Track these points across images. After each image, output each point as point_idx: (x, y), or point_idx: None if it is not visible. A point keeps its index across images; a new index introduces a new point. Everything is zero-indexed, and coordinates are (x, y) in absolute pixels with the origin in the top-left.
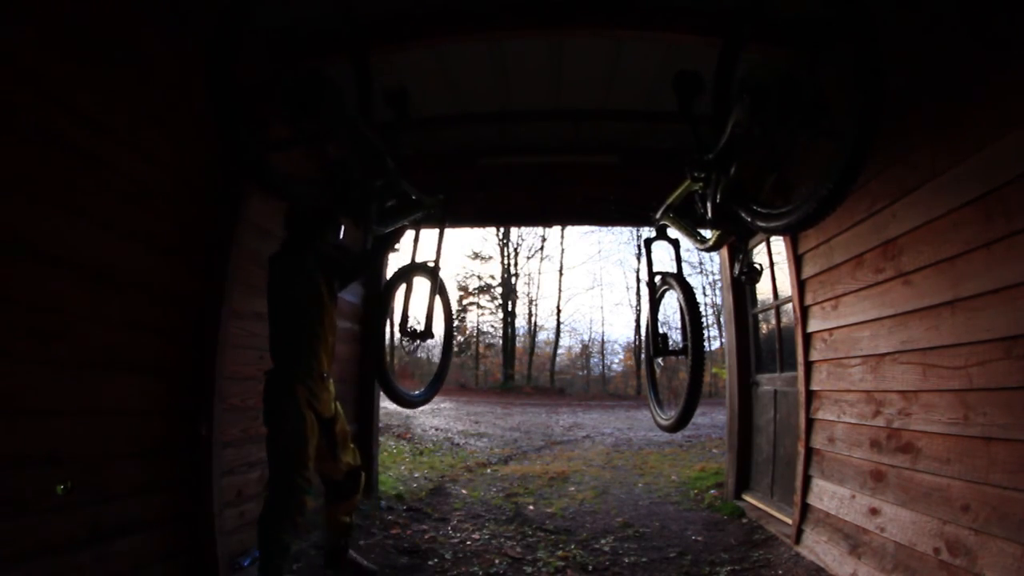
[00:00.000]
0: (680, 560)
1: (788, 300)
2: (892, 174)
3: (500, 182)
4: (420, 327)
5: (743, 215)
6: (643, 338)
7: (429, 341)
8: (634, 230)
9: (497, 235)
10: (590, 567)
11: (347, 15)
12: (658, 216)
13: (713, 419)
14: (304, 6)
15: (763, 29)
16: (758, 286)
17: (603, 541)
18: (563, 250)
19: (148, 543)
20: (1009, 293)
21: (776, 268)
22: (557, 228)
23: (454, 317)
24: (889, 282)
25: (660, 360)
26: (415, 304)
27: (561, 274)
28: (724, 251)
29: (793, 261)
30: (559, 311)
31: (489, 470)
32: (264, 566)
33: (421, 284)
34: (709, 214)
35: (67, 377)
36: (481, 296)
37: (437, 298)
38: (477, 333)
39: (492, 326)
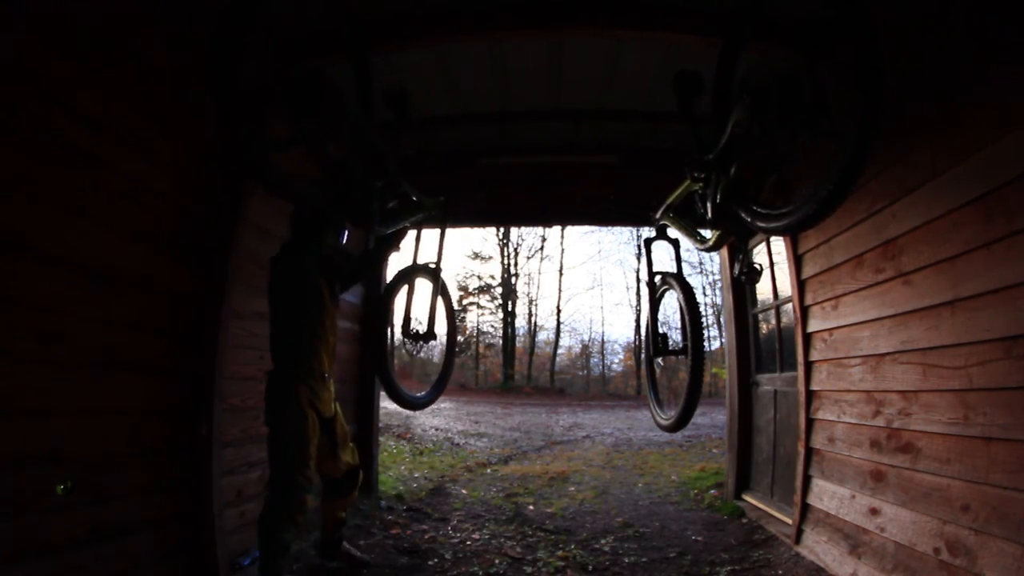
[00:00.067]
0: (680, 560)
1: (788, 300)
2: (892, 174)
3: (500, 182)
4: (422, 328)
5: (743, 215)
6: (643, 338)
7: (431, 342)
8: (634, 230)
9: (497, 235)
10: (590, 567)
11: (347, 15)
12: (658, 216)
13: (713, 419)
14: (304, 6)
15: (763, 29)
16: (758, 286)
17: (603, 541)
18: (563, 250)
19: (148, 543)
20: (1009, 293)
21: (776, 268)
22: (557, 228)
23: (456, 318)
24: (889, 282)
25: (660, 360)
26: (417, 305)
27: (561, 274)
28: (724, 251)
29: (793, 261)
30: (559, 311)
31: (489, 470)
32: (264, 565)
33: (423, 285)
34: (709, 214)
35: (67, 377)
36: (481, 296)
37: (439, 299)
38: (477, 333)
39: (492, 326)
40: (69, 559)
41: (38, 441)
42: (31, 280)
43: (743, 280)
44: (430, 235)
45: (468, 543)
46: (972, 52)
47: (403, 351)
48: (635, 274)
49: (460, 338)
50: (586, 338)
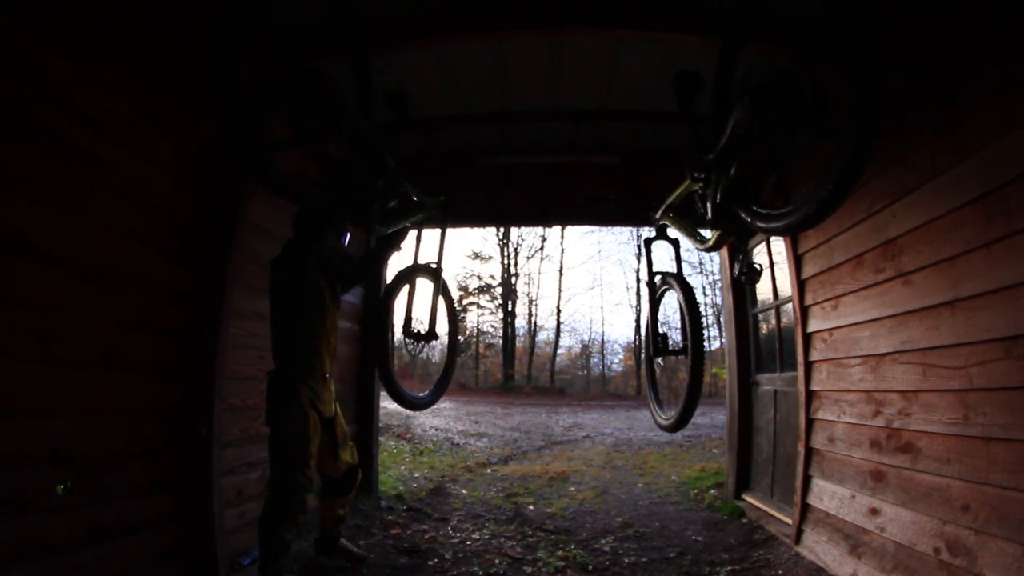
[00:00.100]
0: (680, 560)
1: (788, 300)
2: (892, 174)
3: (500, 182)
4: (424, 328)
5: (743, 215)
6: (643, 338)
7: (432, 342)
8: (634, 230)
9: (497, 235)
10: (590, 567)
11: (347, 15)
12: (658, 216)
13: (713, 419)
14: (304, 6)
15: (763, 29)
16: (758, 286)
17: (603, 541)
18: (563, 250)
19: (148, 543)
20: (1009, 293)
21: (776, 268)
22: (557, 228)
23: (458, 318)
24: (889, 282)
25: (660, 360)
26: (418, 305)
27: (561, 274)
28: (724, 251)
29: (793, 261)
30: (559, 311)
31: (489, 470)
32: (264, 565)
33: (424, 285)
34: (709, 214)
35: (67, 377)
36: (481, 296)
37: (440, 299)
38: (477, 333)
39: (492, 326)
40: (69, 559)
41: (38, 441)
42: (31, 280)
43: (743, 280)
44: (430, 235)
45: (468, 543)
46: (972, 52)
47: (403, 351)
48: (635, 274)
49: (461, 338)
50: (586, 338)
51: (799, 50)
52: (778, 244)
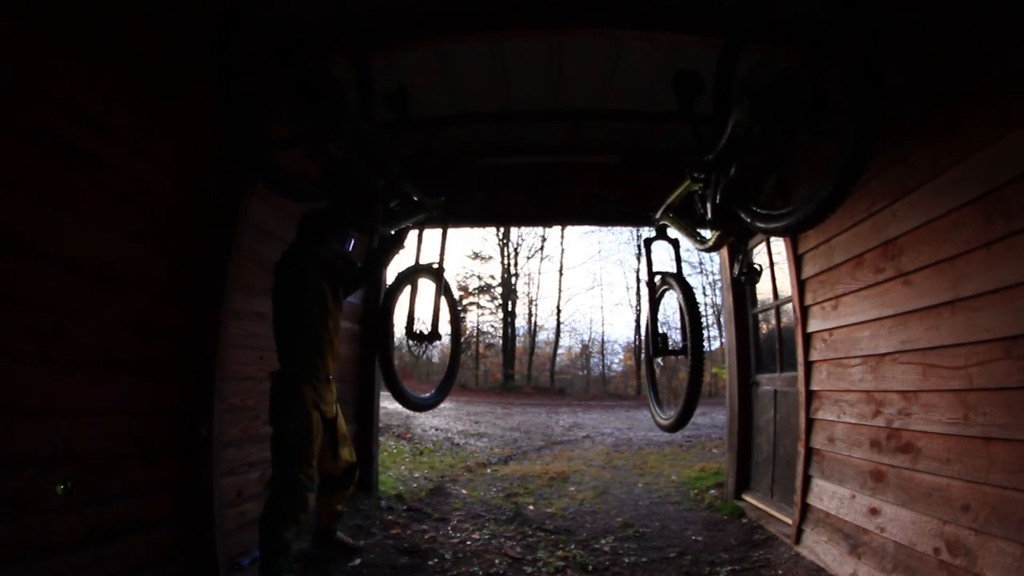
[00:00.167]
0: (680, 560)
1: (788, 300)
2: (892, 174)
3: (500, 182)
4: (426, 329)
5: (743, 216)
6: (643, 338)
7: (435, 342)
8: (634, 230)
9: (497, 235)
10: (590, 567)
11: (347, 15)
12: (658, 216)
13: (713, 419)
14: (304, 6)
15: (763, 29)
16: (758, 286)
17: (603, 541)
18: (563, 250)
19: (148, 543)
20: (1009, 293)
21: (776, 268)
22: (557, 228)
23: (461, 318)
24: (889, 282)
25: (660, 360)
26: (420, 306)
27: (561, 274)
28: (724, 251)
29: (793, 261)
30: (559, 311)
31: (489, 470)
32: (265, 565)
33: (425, 285)
34: (709, 214)
35: (67, 377)
36: (481, 296)
37: (442, 299)
38: (477, 333)
39: (492, 326)
40: (69, 559)
41: (38, 441)
42: (31, 280)
43: (743, 280)
44: (431, 235)
45: (468, 543)
46: (972, 52)
47: (404, 352)
48: (635, 274)
49: (463, 338)
50: (586, 338)
51: (799, 50)
52: (778, 244)
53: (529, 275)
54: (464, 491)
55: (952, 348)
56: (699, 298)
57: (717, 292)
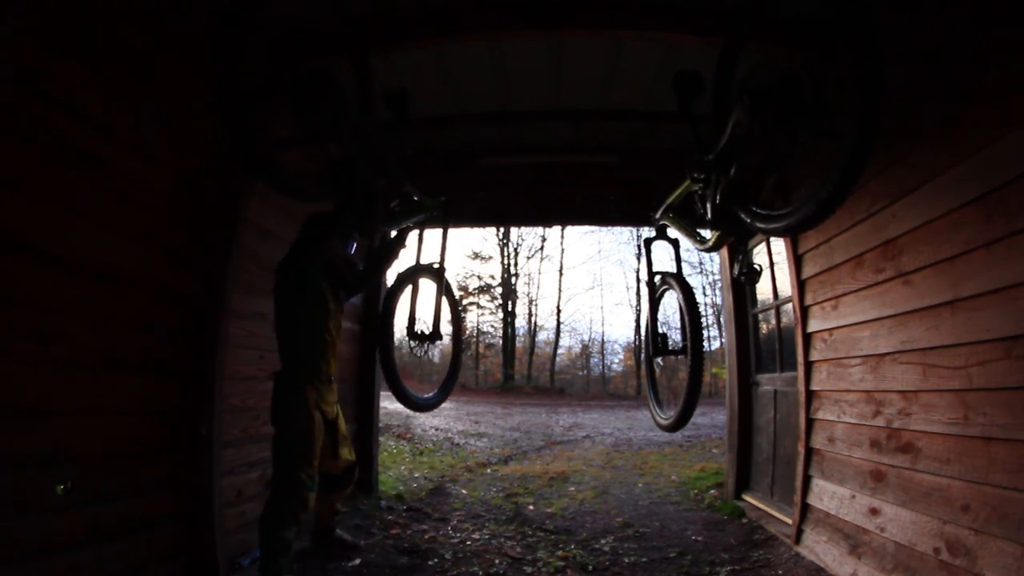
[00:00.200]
0: (680, 560)
1: (788, 300)
2: (892, 174)
3: (500, 182)
4: (428, 329)
5: (743, 216)
6: (643, 338)
7: (437, 342)
8: (634, 230)
9: (497, 235)
10: (590, 567)
11: (347, 15)
12: (658, 216)
13: (713, 419)
14: (304, 6)
15: (763, 29)
16: (758, 286)
17: (603, 541)
18: (563, 250)
19: (148, 543)
20: (1009, 293)
21: (776, 268)
22: (557, 228)
23: (462, 318)
24: (889, 282)
25: (660, 360)
26: (421, 306)
27: (561, 274)
28: (724, 251)
29: (793, 261)
30: (559, 311)
31: (489, 470)
32: (265, 564)
33: (426, 286)
34: (709, 215)
35: (67, 377)
36: (481, 296)
37: (444, 299)
38: (477, 333)
39: (492, 326)
40: (69, 559)
41: (38, 441)
42: (31, 280)
43: (743, 280)
44: (432, 235)
45: (468, 543)
46: (972, 52)
47: (404, 352)
48: (635, 274)
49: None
50: (586, 338)
51: (799, 50)
52: (778, 244)
53: (529, 275)
54: (464, 491)
55: (952, 348)
56: (699, 298)
57: (717, 292)
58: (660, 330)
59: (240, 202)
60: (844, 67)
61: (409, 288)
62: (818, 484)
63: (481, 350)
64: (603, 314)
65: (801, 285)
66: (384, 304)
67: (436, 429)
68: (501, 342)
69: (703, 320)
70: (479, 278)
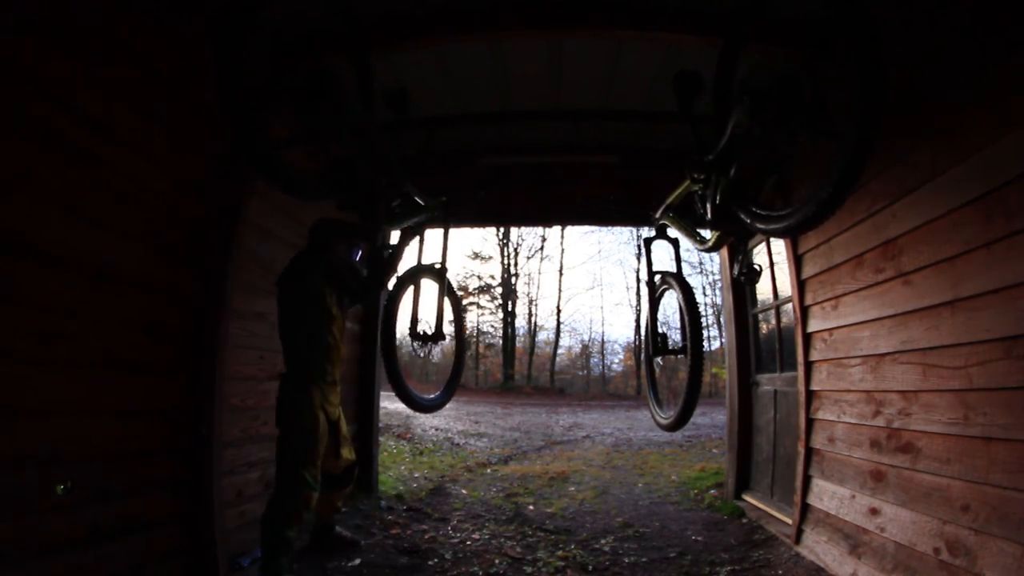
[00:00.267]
0: (680, 560)
1: (788, 300)
2: (892, 174)
3: (500, 182)
4: (430, 329)
5: (743, 216)
6: (643, 338)
7: (439, 343)
8: (634, 230)
9: (497, 235)
10: (590, 567)
11: (347, 15)
12: (658, 216)
13: (713, 419)
14: (304, 6)
15: (763, 29)
16: (758, 286)
17: (603, 541)
18: (563, 250)
19: (148, 543)
20: (1009, 293)
21: (776, 268)
22: (557, 228)
23: (464, 318)
24: (889, 282)
25: (659, 359)
26: (423, 306)
27: (561, 274)
28: (724, 251)
29: (793, 261)
30: (559, 311)
31: (489, 470)
32: (266, 563)
33: (428, 286)
34: (709, 215)
35: (67, 377)
36: (481, 296)
37: (446, 299)
38: (477, 333)
39: (492, 326)
40: (69, 559)
41: (38, 441)
42: (31, 280)
43: (742, 280)
44: (432, 235)
45: (468, 543)
46: (972, 52)
47: (404, 352)
48: (635, 274)
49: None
50: (586, 338)
51: (799, 50)
52: (778, 244)
53: (529, 275)
54: (464, 491)
55: (952, 348)
56: (699, 298)
57: (717, 292)
58: (660, 330)
59: (240, 202)
60: (844, 67)
61: (411, 289)
62: (818, 484)
63: (481, 350)
64: (603, 314)
65: (801, 285)
66: (386, 305)
67: (436, 429)
68: (501, 342)
69: (703, 320)
70: (479, 278)
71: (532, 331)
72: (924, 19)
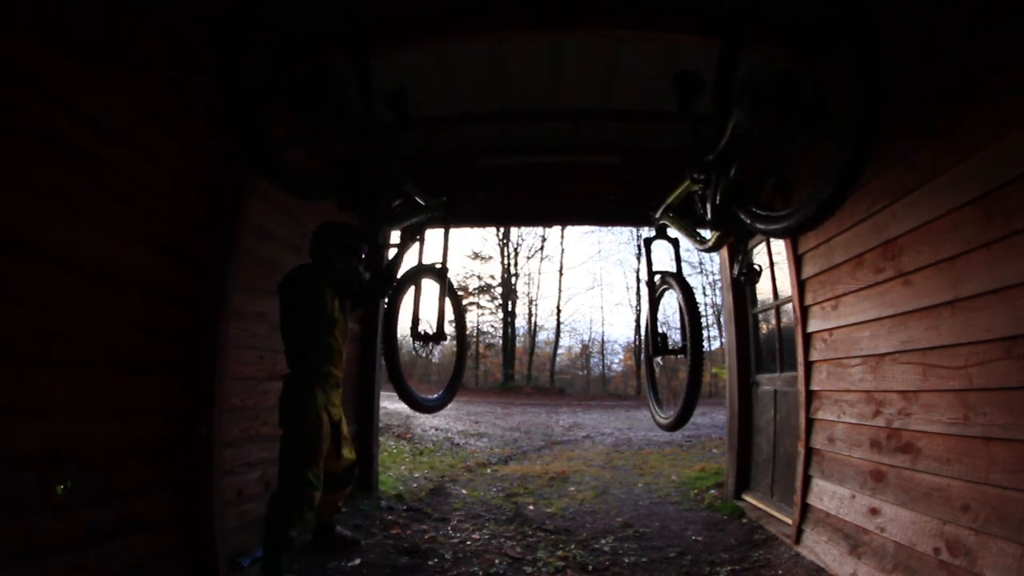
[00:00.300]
0: (680, 560)
1: (788, 300)
2: (892, 174)
3: (500, 182)
4: (432, 330)
5: (742, 217)
6: (643, 338)
7: (441, 343)
8: (634, 230)
9: (497, 235)
10: (590, 567)
11: (347, 15)
12: (658, 216)
13: (713, 419)
14: (304, 5)
15: (763, 29)
16: (758, 286)
17: (603, 541)
18: (563, 250)
19: (148, 543)
20: (1009, 293)
21: (776, 268)
22: (557, 228)
23: (465, 318)
24: (889, 282)
25: (659, 359)
26: (424, 306)
27: (561, 274)
28: (724, 251)
29: (793, 261)
30: (559, 311)
31: (489, 470)
32: (268, 562)
33: (429, 286)
34: (709, 215)
35: (67, 377)
36: (481, 296)
37: (447, 299)
38: (477, 333)
39: (492, 326)
40: (69, 559)
41: (38, 441)
42: (31, 280)
43: (742, 281)
44: (432, 235)
45: (468, 543)
46: (972, 52)
47: (404, 352)
48: (635, 274)
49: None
50: (586, 338)
51: (799, 50)
52: (778, 244)
53: (529, 275)
54: (464, 491)
55: (952, 348)
56: (699, 298)
57: (717, 292)
58: (660, 330)
59: (240, 202)
60: (844, 67)
61: (412, 289)
62: (818, 484)
63: (481, 350)
64: (603, 314)
65: (801, 285)
66: (387, 306)
67: (436, 429)
68: (501, 342)
69: (703, 320)
70: (479, 278)
71: (532, 331)
72: (924, 19)
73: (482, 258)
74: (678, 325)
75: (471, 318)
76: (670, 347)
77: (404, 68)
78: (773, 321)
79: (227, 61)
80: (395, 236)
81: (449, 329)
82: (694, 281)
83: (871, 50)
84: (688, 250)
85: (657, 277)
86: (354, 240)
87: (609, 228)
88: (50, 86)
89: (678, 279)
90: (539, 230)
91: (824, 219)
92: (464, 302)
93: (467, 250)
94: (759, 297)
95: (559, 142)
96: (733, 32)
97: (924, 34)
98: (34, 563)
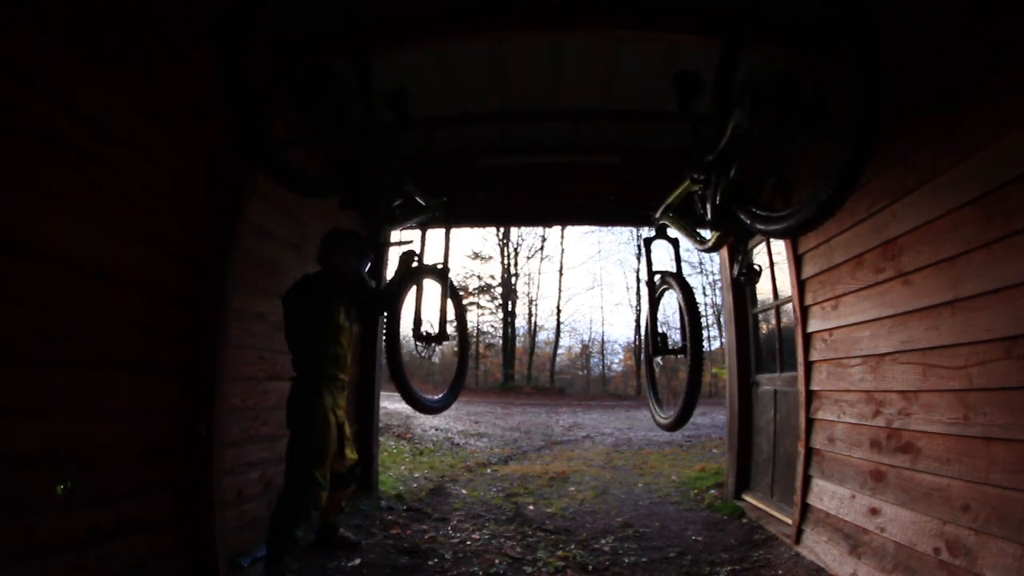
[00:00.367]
0: (680, 560)
1: (788, 300)
2: (892, 174)
3: (500, 182)
4: (433, 330)
5: (742, 217)
6: (643, 338)
7: (443, 343)
8: (634, 230)
9: (497, 235)
10: (590, 567)
11: (347, 15)
12: (658, 216)
13: (713, 419)
14: (305, 5)
15: (763, 29)
16: (758, 286)
17: (603, 541)
18: (563, 250)
19: (148, 543)
20: (1009, 293)
21: (776, 268)
22: (557, 228)
23: (467, 318)
24: (889, 282)
25: (659, 359)
26: (426, 307)
27: (561, 274)
28: (724, 251)
29: (793, 261)
30: (559, 311)
31: (489, 470)
32: (271, 562)
33: (430, 286)
34: (708, 215)
35: (67, 377)
36: (481, 296)
37: (448, 300)
38: (477, 333)
39: (492, 326)
40: (69, 559)
41: (38, 441)
42: (31, 280)
43: (743, 280)
44: (433, 236)
45: (468, 543)
46: (972, 52)
47: (406, 352)
48: (635, 274)
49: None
50: (586, 338)
51: (799, 50)
52: (778, 244)
53: (529, 275)
54: (464, 491)
55: (952, 348)
56: (699, 298)
57: (717, 292)
58: (660, 330)
59: (240, 202)
60: (844, 67)
61: (414, 289)
62: (818, 484)
63: (481, 350)
64: (603, 314)
65: (801, 285)
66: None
67: (436, 429)
68: (501, 342)
69: (703, 320)
70: (479, 278)
71: (532, 331)
72: (924, 19)
73: (482, 258)
74: (678, 325)
75: (471, 318)
76: (670, 347)
77: (404, 68)
78: (773, 321)
79: (227, 61)
80: (393, 236)
81: (450, 329)
82: (694, 281)
83: (871, 50)
84: (688, 250)
85: (657, 277)
86: (361, 248)
87: (609, 228)
88: (50, 86)
89: (678, 279)
90: (539, 230)
91: (824, 219)
92: (464, 302)
93: (467, 250)
94: (759, 297)
95: (559, 142)
96: (733, 32)
97: (924, 34)
98: (34, 563)
